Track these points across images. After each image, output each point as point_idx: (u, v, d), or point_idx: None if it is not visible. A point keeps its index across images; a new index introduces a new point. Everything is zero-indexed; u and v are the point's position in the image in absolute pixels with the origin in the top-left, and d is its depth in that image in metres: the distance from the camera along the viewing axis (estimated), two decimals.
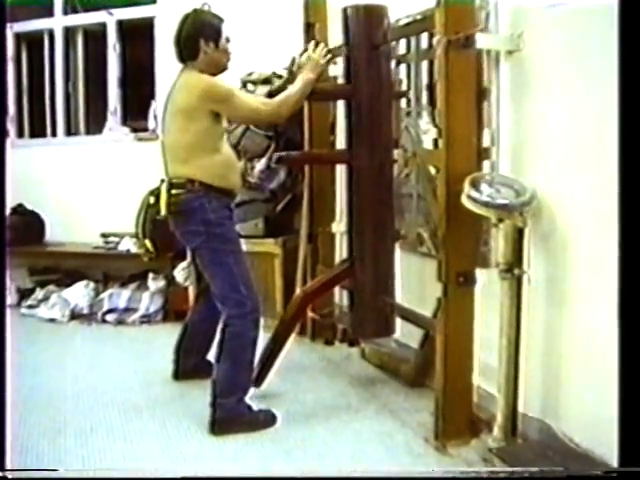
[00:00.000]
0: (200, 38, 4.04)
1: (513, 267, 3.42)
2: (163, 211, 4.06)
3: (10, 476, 2.77)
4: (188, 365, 4.78)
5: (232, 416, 4.05)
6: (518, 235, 3.41)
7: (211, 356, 4.40)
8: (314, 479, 3.38)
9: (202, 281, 4.54)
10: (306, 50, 4.45)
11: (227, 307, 4.08)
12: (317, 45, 4.33)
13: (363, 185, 4.35)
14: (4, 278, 3.60)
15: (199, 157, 4.02)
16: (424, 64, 4.25)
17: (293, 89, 4.20)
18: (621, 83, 2.58)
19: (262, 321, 4.16)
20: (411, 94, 4.41)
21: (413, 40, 4.30)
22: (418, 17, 4.04)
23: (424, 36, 4.13)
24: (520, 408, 3.55)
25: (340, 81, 4.73)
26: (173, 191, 4.03)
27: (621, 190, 2.56)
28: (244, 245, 4.33)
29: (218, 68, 4.13)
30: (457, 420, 3.72)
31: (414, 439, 3.86)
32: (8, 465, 2.79)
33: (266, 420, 4.12)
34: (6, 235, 7.02)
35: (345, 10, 4.29)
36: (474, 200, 3.38)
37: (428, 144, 4.12)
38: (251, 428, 4.04)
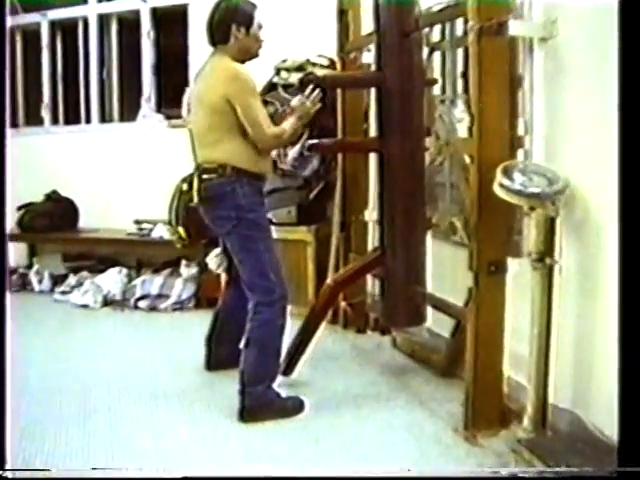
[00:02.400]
0: (232, 23, 4.05)
1: (545, 256, 3.39)
2: (196, 198, 4.06)
3: (10, 475, 2.77)
4: (221, 355, 4.77)
5: (261, 403, 4.05)
6: (550, 224, 3.38)
7: (241, 346, 4.41)
8: (317, 479, 3.36)
9: (233, 269, 4.53)
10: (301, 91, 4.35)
11: (255, 294, 4.09)
12: (312, 91, 4.23)
13: (394, 173, 4.32)
14: (4, 273, 3.63)
15: (229, 141, 4.02)
16: (459, 52, 4.21)
17: (287, 127, 4.13)
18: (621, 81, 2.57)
19: (294, 309, 4.17)
20: (446, 82, 4.37)
21: (448, 27, 4.26)
22: (451, 3, 4.00)
23: (459, 23, 4.09)
24: (550, 399, 3.52)
25: (372, 68, 4.69)
26: (204, 176, 4.04)
27: None
28: (277, 233, 4.34)
29: (248, 54, 4.13)
30: (487, 411, 3.70)
31: (444, 429, 3.84)
32: (8, 465, 2.79)
33: (294, 407, 4.12)
34: (40, 222, 7.18)
35: None
36: (506, 188, 3.35)
37: (463, 133, 4.07)
38: (280, 415, 4.05)
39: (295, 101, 4.23)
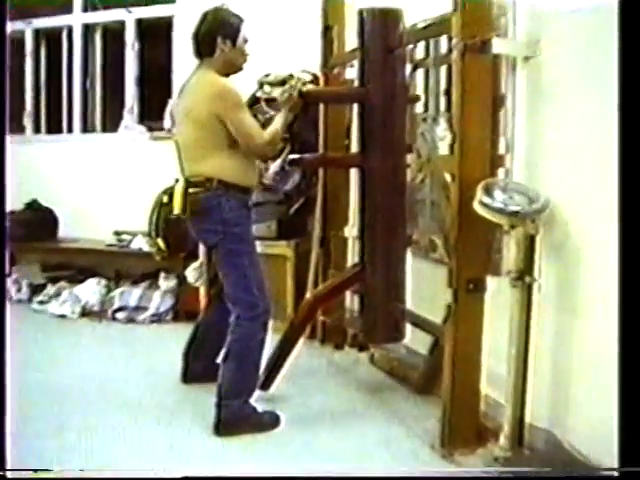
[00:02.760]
0: (218, 35, 4.05)
1: (524, 275, 3.39)
2: (176, 210, 4.05)
3: (10, 476, 2.75)
4: (197, 368, 4.75)
5: (237, 417, 4.05)
6: (530, 243, 3.38)
7: (220, 359, 4.39)
8: (315, 479, 3.35)
9: (216, 283, 4.52)
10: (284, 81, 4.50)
11: (238, 308, 4.08)
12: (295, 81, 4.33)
13: (375, 189, 4.32)
14: (4, 277, 3.61)
15: (216, 155, 4.01)
16: (443, 69, 4.22)
17: (278, 125, 4.14)
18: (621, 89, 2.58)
19: (272, 324, 4.15)
20: (429, 99, 4.37)
21: (432, 45, 4.26)
22: (435, 21, 4.01)
23: (443, 41, 4.10)
24: (527, 418, 3.51)
25: (355, 84, 4.69)
26: (190, 190, 4.02)
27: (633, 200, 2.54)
28: (257, 247, 4.32)
29: (233, 68, 4.14)
30: (464, 428, 3.70)
31: (421, 446, 3.83)
32: (8, 465, 2.77)
33: (270, 421, 4.12)
34: (19, 231, 7.13)
35: (361, 13, 4.28)
36: (486, 206, 3.35)
37: (444, 150, 4.08)
38: (255, 429, 4.05)
39: (280, 94, 4.25)
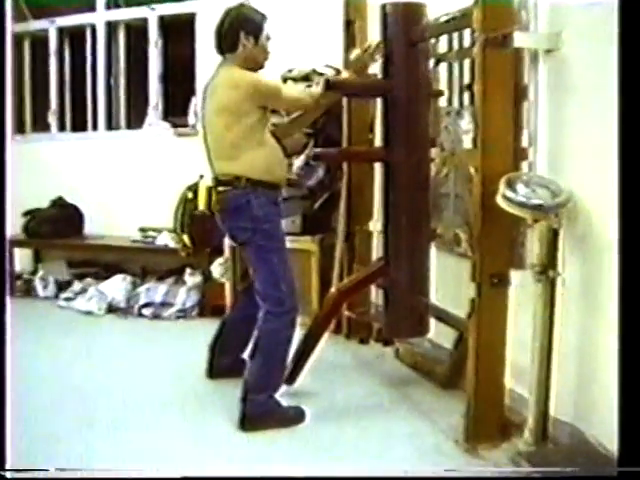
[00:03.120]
0: (241, 31, 4.06)
1: (547, 269, 3.38)
2: (201, 206, 4.08)
3: (9, 476, 2.77)
4: (223, 363, 4.76)
5: (262, 412, 4.06)
6: (553, 236, 3.37)
7: (246, 354, 4.42)
8: (316, 479, 3.36)
9: (244, 279, 4.54)
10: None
11: (267, 303, 4.10)
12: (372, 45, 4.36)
13: (399, 183, 4.31)
14: (4, 274, 3.62)
15: (245, 153, 4.02)
16: (466, 63, 4.20)
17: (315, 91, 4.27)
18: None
19: (298, 318, 4.16)
20: (452, 93, 4.36)
21: (456, 38, 4.25)
22: (457, 14, 3.99)
23: (467, 35, 4.08)
24: (551, 412, 3.50)
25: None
26: (220, 188, 4.06)
27: None
28: None
29: (255, 64, 4.13)
30: (488, 423, 3.69)
31: (444, 441, 3.83)
32: (8, 465, 2.79)
33: (295, 416, 4.13)
34: (45, 228, 7.18)
35: (384, 7, 4.26)
36: (509, 200, 3.34)
37: (469, 144, 4.07)
38: (280, 424, 4.05)
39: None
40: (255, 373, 4.09)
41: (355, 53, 4.36)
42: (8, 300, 3.15)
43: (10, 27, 7.28)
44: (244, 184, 4.00)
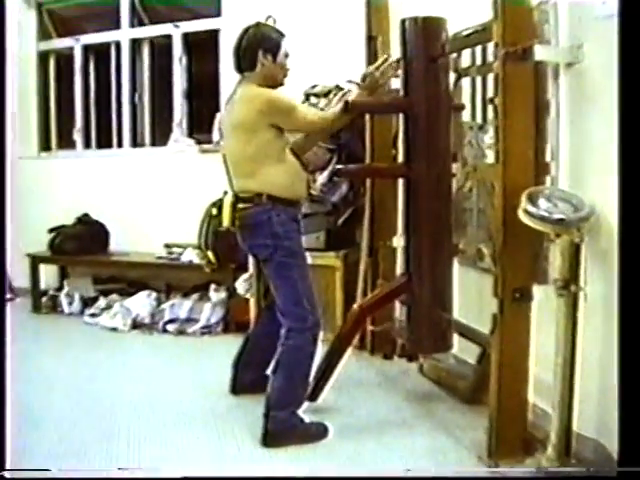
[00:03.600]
0: (259, 49, 4.10)
1: (569, 283, 3.35)
2: (226, 223, 4.09)
3: (9, 476, 2.78)
4: (246, 379, 4.76)
5: (285, 428, 4.07)
6: (575, 251, 3.34)
7: (270, 371, 4.41)
8: (316, 479, 3.35)
9: (268, 295, 4.55)
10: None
11: (288, 320, 4.12)
12: (385, 60, 4.34)
13: (420, 198, 4.30)
14: (4, 282, 3.65)
15: (264, 169, 4.05)
16: (490, 77, 4.19)
17: (335, 110, 4.25)
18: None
19: (322, 334, 4.16)
20: (475, 108, 4.35)
21: (480, 52, 4.24)
22: (478, 28, 3.99)
23: (490, 48, 4.07)
24: (575, 428, 3.47)
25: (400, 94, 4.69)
26: (240, 205, 4.08)
27: None
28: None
29: (274, 82, 4.16)
30: (511, 439, 3.67)
31: (467, 457, 3.81)
32: (8, 465, 2.80)
33: (318, 432, 4.13)
34: (71, 245, 7.23)
35: (403, 22, 4.26)
36: (530, 214, 3.32)
37: (492, 159, 4.06)
38: (303, 440, 4.06)
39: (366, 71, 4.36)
40: (277, 389, 4.09)
41: (366, 70, 4.34)
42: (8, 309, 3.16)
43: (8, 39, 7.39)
44: (265, 201, 4.02)
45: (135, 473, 3.53)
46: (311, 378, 4.26)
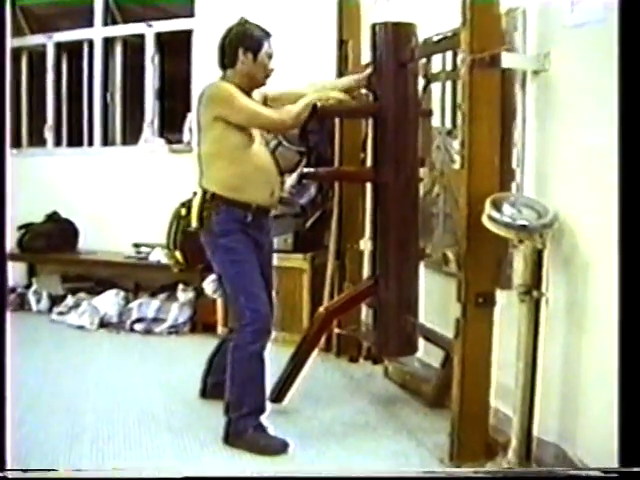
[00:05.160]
0: (240, 47, 4.04)
1: (532, 289, 3.37)
2: (194, 223, 4.07)
3: (10, 476, 2.77)
4: (216, 384, 4.61)
5: (236, 432, 4.03)
6: (537, 257, 3.37)
7: None
8: (314, 479, 3.36)
9: None
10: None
11: (233, 319, 4.14)
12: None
13: (388, 202, 4.32)
14: (5, 284, 3.63)
15: (214, 168, 4.06)
16: (459, 83, 4.20)
17: (302, 103, 4.14)
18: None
19: (288, 336, 4.17)
20: (444, 113, 4.37)
21: (449, 58, 4.27)
22: (448, 34, 4.01)
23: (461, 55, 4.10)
24: (535, 432, 3.49)
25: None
26: (197, 202, 4.07)
27: None
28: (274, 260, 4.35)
29: (253, 82, 4.13)
30: (472, 442, 3.69)
31: (429, 460, 3.83)
32: (8, 465, 2.80)
33: (275, 448, 3.98)
34: (40, 242, 7.21)
35: (374, 27, 4.29)
36: (494, 220, 3.35)
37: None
38: (258, 450, 3.94)
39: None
40: (227, 392, 4.08)
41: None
42: (8, 314, 3.16)
43: (9, 41, 7.34)
44: (209, 198, 4.01)
45: (135, 473, 3.52)
46: (265, 379, 4.09)
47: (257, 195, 4.11)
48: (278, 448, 3.97)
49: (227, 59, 4.10)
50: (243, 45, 4.05)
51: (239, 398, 4.04)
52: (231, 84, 4.04)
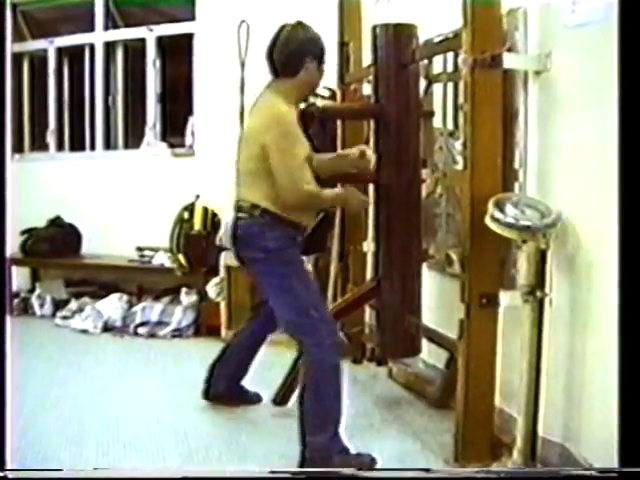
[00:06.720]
0: (307, 54, 3.79)
1: (535, 289, 3.38)
2: (197, 226, 4.03)
3: (10, 476, 2.77)
4: (221, 388, 4.63)
5: (323, 456, 3.71)
6: (541, 257, 3.37)
7: (245, 382, 4.53)
8: (313, 478, 3.35)
9: (254, 308, 4.51)
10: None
11: (301, 335, 3.83)
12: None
13: (390, 204, 4.34)
14: (4, 286, 3.64)
15: (265, 185, 3.75)
16: (461, 84, 4.20)
17: (327, 194, 3.94)
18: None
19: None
20: (446, 114, 4.37)
21: (451, 59, 4.27)
22: (450, 35, 4.01)
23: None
24: (540, 432, 3.50)
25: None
26: (238, 214, 3.85)
27: None
28: None
29: (309, 89, 3.96)
30: (477, 443, 3.69)
31: (434, 461, 3.83)
32: (8, 465, 2.80)
33: (362, 463, 3.74)
34: (43, 247, 7.21)
35: (374, 29, 4.29)
36: (497, 221, 3.35)
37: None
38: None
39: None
40: (310, 412, 3.76)
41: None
42: (8, 318, 3.16)
43: (9, 46, 7.36)
44: (259, 214, 3.76)
45: (135, 473, 3.52)
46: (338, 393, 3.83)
47: (307, 218, 3.98)
48: (372, 463, 3.79)
49: (290, 67, 3.79)
50: (311, 52, 3.81)
51: (326, 417, 3.77)
52: (291, 105, 3.79)
